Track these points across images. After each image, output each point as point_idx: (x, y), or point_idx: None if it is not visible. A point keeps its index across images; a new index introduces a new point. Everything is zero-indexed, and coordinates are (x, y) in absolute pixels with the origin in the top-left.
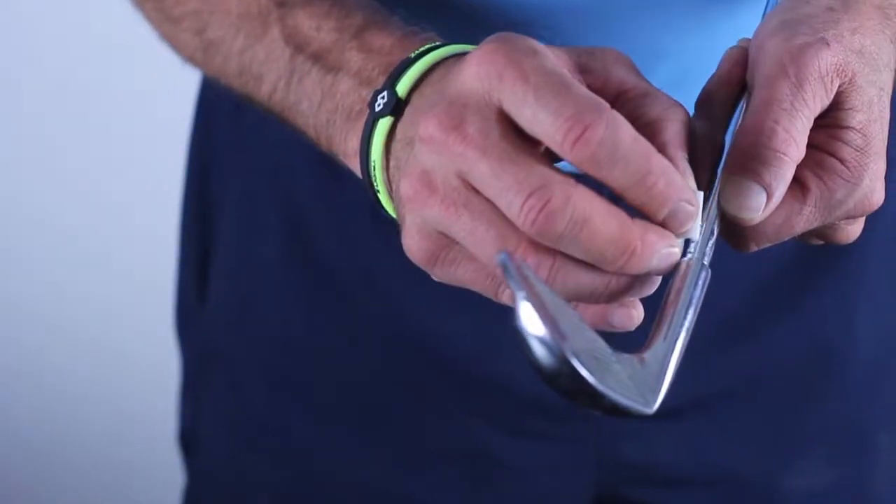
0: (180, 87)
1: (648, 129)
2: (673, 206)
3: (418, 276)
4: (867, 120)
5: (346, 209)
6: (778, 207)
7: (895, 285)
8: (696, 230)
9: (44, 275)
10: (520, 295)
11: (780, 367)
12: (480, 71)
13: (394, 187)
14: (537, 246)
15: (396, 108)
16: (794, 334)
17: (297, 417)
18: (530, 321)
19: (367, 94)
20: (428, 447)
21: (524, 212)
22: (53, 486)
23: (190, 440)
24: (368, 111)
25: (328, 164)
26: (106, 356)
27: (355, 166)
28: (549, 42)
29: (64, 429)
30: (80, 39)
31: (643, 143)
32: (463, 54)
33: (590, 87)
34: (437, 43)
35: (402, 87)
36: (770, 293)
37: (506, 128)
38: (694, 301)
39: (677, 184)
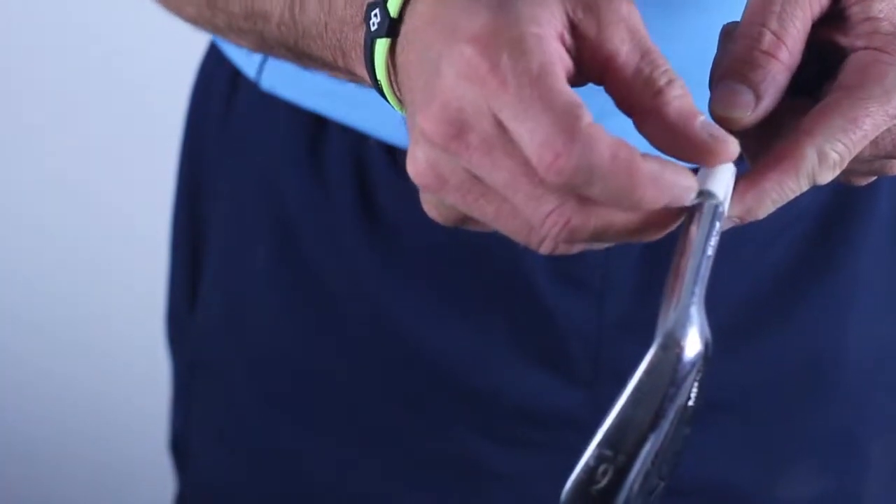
0: (171, 93)
1: (641, 118)
2: (668, 201)
3: (409, 285)
4: (888, 7)
5: (336, 218)
6: (837, 105)
7: (886, 295)
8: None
9: (36, 280)
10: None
11: (772, 377)
12: (467, 73)
13: (406, 110)
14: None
15: (391, 28)
16: (785, 344)
17: (286, 426)
18: None
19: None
20: (418, 456)
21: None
22: (45, 492)
23: (180, 448)
24: (365, 28)
25: (317, 172)
26: (98, 362)
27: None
28: None
29: (55, 435)
30: (73, 42)
31: (622, 158)
32: None
33: (580, 56)
34: None
35: (392, 6)
36: (761, 303)
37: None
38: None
39: (668, 184)
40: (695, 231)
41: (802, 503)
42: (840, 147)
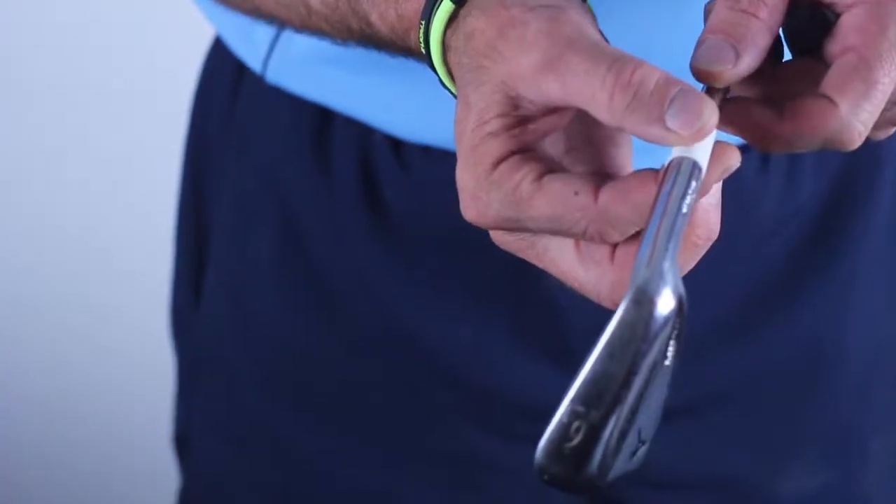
0: (175, 87)
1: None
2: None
3: (414, 279)
4: None
5: (341, 212)
6: (854, 69)
7: (887, 289)
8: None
9: (40, 275)
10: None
11: (772, 371)
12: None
13: (457, 85)
14: None
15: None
16: (785, 338)
17: (288, 420)
18: None
19: None
20: (420, 450)
21: None
22: (47, 486)
23: (183, 441)
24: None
25: (322, 166)
26: (102, 356)
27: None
28: None
29: (58, 428)
30: (78, 40)
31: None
32: None
33: (521, 120)
34: None
35: None
36: (761, 296)
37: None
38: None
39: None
40: (670, 187)
41: (803, 496)
42: (865, 116)
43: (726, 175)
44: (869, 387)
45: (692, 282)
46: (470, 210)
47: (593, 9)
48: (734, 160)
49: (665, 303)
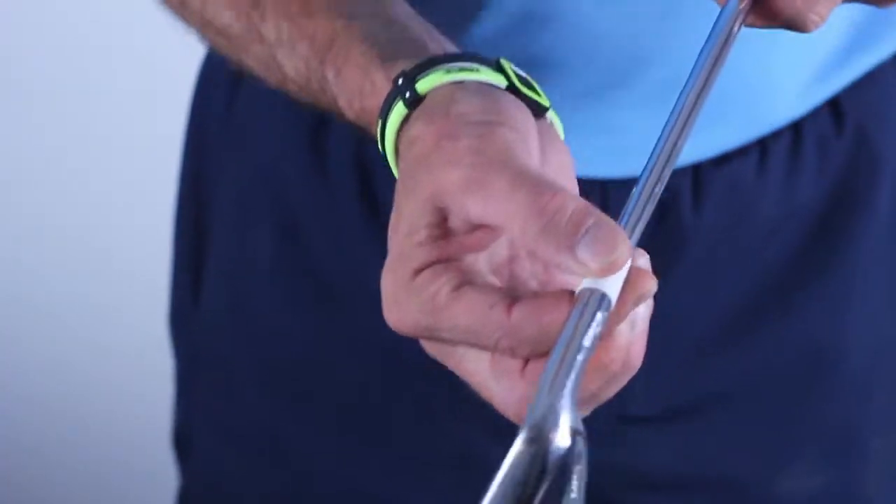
0: (174, 87)
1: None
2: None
3: None
4: None
5: (338, 212)
6: None
7: (887, 288)
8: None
9: (40, 274)
10: None
11: (772, 371)
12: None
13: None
14: None
15: (414, 101)
16: (785, 337)
17: (288, 420)
18: None
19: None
20: (421, 452)
21: None
22: (46, 485)
23: (183, 441)
24: (392, 86)
25: (319, 166)
26: (101, 356)
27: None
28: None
29: (58, 428)
30: (77, 40)
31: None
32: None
33: (449, 232)
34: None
35: (422, 86)
36: (761, 297)
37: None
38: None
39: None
40: (575, 320)
41: (803, 497)
42: (819, 7)
43: (641, 303)
44: (869, 387)
45: (693, 282)
46: (390, 314)
47: (587, 16)
48: (649, 287)
49: (561, 438)
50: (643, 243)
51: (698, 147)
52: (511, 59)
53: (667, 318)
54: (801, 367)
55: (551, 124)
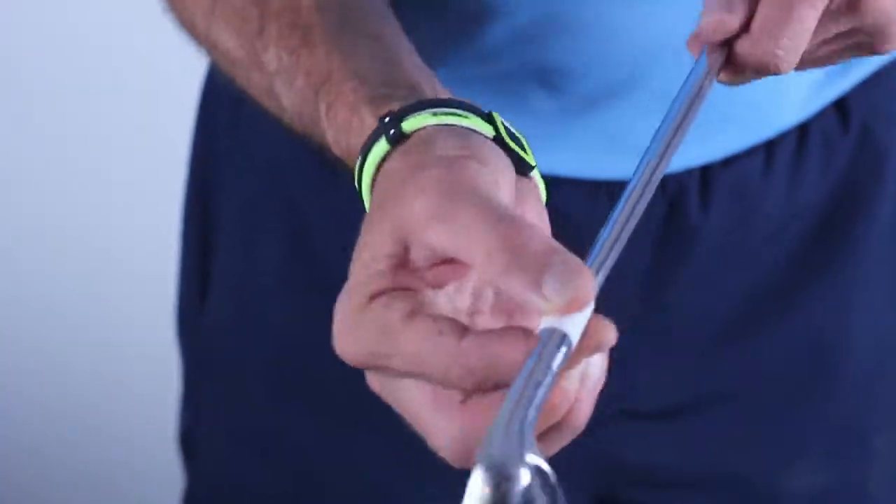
0: (182, 89)
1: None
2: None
3: None
4: None
5: (348, 214)
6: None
7: (890, 287)
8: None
9: (47, 276)
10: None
11: (776, 370)
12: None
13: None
14: None
15: (397, 139)
16: (789, 336)
17: (295, 420)
18: None
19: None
20: (428, 451)
21: None
22: (51, 486)
23: (189, 442)
24: (379, 124)
25: (329, 168)
26: (101, 355)
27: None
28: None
29: (64, 428)
30: (80, 41)
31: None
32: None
33: (410, 262)
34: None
35: (408, 125)
36: (765, 296)
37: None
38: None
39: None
40: (535, 360)
41: (806, 494)
42: (784, 42)
43: (598, 352)
44: (873, 385)
45: (699, 281)
46: (341, 341)
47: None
48: (609, 337)
49: (523, 476)
50: (651, 242)
51: (707, 149)
52: (523, 66)
53: (673, 315)
54: (805, 366)
55: (535, 185)
